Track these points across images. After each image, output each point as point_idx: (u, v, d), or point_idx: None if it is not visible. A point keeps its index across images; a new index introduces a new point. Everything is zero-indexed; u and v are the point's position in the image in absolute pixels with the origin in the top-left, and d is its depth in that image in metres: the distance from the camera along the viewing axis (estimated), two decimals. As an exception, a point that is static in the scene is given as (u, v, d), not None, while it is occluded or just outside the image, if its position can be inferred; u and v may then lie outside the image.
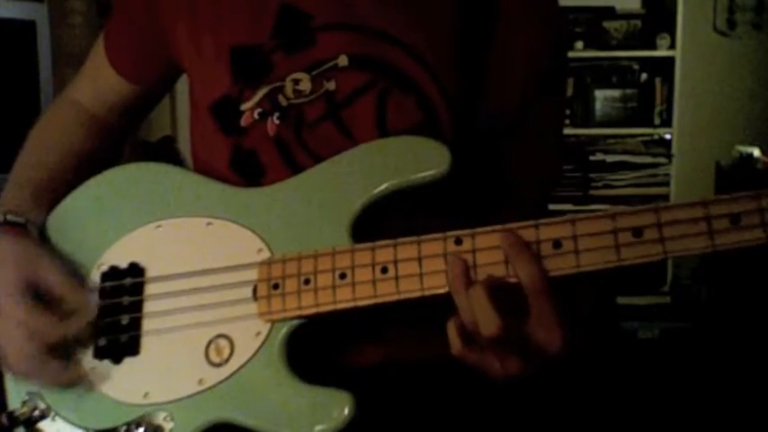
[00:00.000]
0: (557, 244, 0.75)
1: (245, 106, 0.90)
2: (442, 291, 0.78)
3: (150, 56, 1.01)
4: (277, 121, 0.89)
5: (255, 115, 0.90)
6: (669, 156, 3.56)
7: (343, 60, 0.88)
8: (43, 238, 0.94)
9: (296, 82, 0.89)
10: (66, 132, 1.04)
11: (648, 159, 3.56)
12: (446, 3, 0.91)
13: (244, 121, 0.90)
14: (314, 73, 0.89)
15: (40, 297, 0.86)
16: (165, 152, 3.25)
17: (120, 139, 1.11)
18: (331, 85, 0.88)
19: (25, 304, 0.85)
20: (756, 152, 3.37)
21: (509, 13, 0.92)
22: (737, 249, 0.71)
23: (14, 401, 0.90)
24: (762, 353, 2.91)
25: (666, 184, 3.54)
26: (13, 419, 0.88)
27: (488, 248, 0.76)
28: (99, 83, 1.06)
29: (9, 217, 0.91)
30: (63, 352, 0.86)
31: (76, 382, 0.87)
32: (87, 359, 0.88)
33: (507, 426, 0.93)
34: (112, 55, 1.04)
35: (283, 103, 0.89)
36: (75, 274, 0.90)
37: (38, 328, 0.84)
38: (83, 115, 1.06)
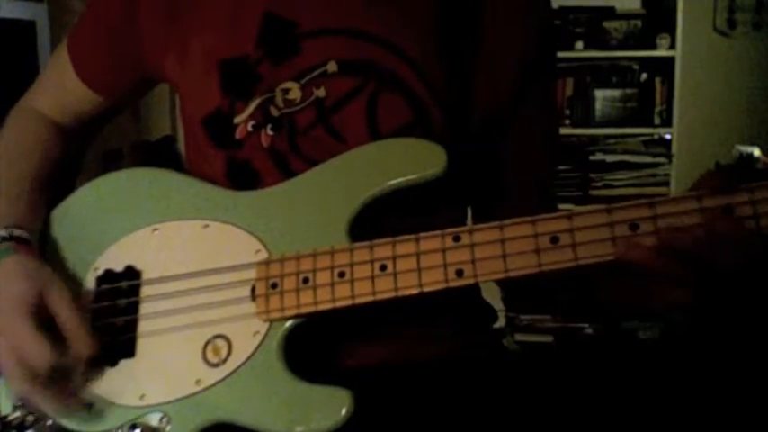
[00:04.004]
0: (554, 239, 0.76)
1: (237, 119, 0.90)
2: (439, 287, 0.78)
3: (123, 70, 0.99)
4: (271, 133, 0.89)
5: (249, 128, 0.90)
6: (669, 156, 3.56)
7: (332, 67, 0.88)
8: (41, 245, 0.93)
9: (285, 92, 0.89)
10: (40, 142, 1.01)
11: (648, 159, 3.56)
12: (430, 1, 0.91)
13: (238, 135, 0.90)
14: (303, 81, 0.89)
15: (41, 318, 0.83)
16: (165, 152, 3.26)
17: (84, 145, 1.08)
18: (320, 93, 0.88)
19: (23, 326, 0.82)
20: (756, 152, 3.37)
21: (495, 8, 0.92)
22: None
23: (6, 406, 0.89)
24: (762, 353, 2.91)
25: (666, 183, 3.54)
26: (6, 425, 0.87)
27: (486, 243, 0.78)
28: (64, 93, 1.03)
29: (15, 232, 0.89)
30: (55, 381, 0.82)
31: (72, 410, 0.84)
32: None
33: (507, 425, 0.93)
34: (81, 67, 1.01)
35: (275, 113, 0.89)
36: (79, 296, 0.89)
37: (27, 353, 0.81)
38: (49, 125, 1.03)
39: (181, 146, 3.06)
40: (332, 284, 0.80)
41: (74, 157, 1.06)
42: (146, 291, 0.88)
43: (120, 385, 0.85)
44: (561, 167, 3.53)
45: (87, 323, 0.85)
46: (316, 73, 0.88)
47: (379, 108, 0.88)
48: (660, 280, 0.75)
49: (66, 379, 0.83)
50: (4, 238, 0.88)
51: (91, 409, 0.85)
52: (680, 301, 0.75)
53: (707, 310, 0.77)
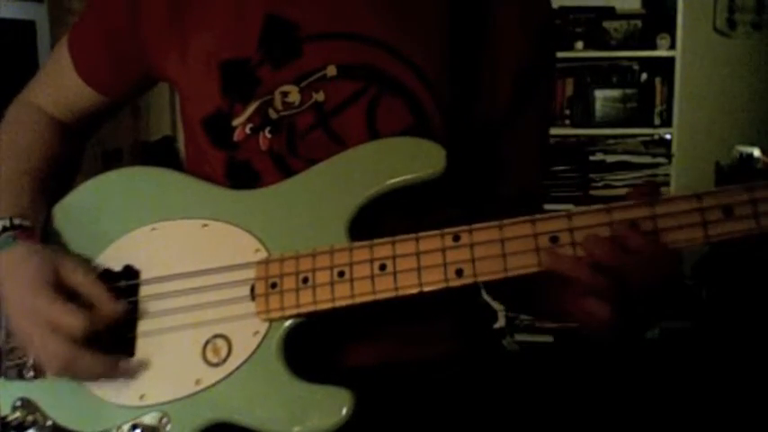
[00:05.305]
0: (553, 238, 0.76)
1: (236, 121, 0.90)
2: (439, 286, 0.78)
3: (124, 68, 0.99)
4: (269, 135, 0.89)
5: (247, 130, 0.89)
6: (669, 156, 3.56)
7: (331, 71, 0.88)
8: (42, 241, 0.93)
9: (284, 95, 0.89)
10: (40, 137, 1.01)
11: (648, 159, 3.56)
12: (436, 6, 0.90)
13: (237, 137, 0.90)
14: (302, 84, 0.88)
15: (63, 291, 0.84)
16: (164, 152, 3.26)
17: (82, 142, 1.08)
18: (320, 96, 0.88)
19: (48, 299, 0.82)
20: (756, 152, 3.37)
21: (498, 13, 0.92)
22: (731, 240, 0.73)
23: (6, 407, 0.90)
24: (762, 353, 2.91)
25: (666, 184, 3.54)
26: (6, 425, 0.87)
27: (486, 242, 0.78)
28: (63, 90, 1.03)
29: (16, 221, 0.89)
30: (93, 343, 0.82)
31: (116, 373, 0.84)
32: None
33: (507, 425, 0.93)
34: (82, 65, 1.01)
35: (273, 116, 0.89)
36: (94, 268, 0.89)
37: (61, 322, 0.81)
38: (49, 120, 1.03)
39: (181, 146, 3.06)
40: (331, 284, 0.80)
41: (72, 154, 1.06)
42: (144, 290, 0.88)
43: (119, 385, 0.85)
44: (561, 167, 3.54)
45: (108, 289, 0.85)
46: (315, 77, 0.88)
47: (379, 112, 0.88)
48: (583, 291, 0.76)
49: (101, 344, 0.83)
50: (5, 228, 0.88)
51: (82, 405, 0.85)
52: (598, 315, 0.76)
53: (620, 327, 0.78)
